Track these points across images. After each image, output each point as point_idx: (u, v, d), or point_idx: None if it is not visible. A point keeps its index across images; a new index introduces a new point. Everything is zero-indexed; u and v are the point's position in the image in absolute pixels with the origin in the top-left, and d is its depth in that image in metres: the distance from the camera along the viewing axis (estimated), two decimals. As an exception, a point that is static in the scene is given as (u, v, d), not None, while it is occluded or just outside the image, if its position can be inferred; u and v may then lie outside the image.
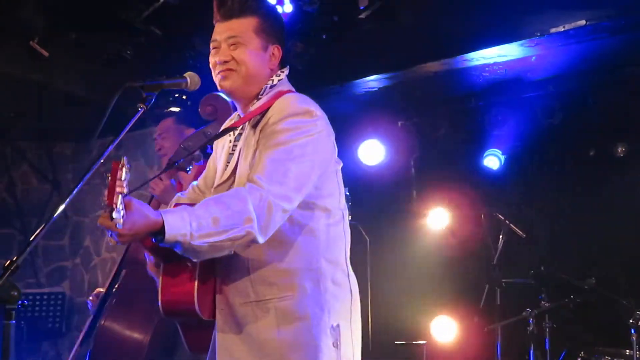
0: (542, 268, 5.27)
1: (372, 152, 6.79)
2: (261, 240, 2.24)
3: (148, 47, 5.68)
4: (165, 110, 4.30)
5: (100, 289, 3.93)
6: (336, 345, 2.40)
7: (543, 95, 6.13)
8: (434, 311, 6.41)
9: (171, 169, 3.21)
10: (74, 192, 2.18)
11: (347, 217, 2.60)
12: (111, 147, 2.27)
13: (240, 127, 2.54)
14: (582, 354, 4.90)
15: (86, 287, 7.73)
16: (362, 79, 6.00)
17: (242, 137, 2.51)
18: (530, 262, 5.53)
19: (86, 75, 6.26)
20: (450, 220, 6.58)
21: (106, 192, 1.97)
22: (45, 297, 7.43)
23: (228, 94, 2.57)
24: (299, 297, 2.38)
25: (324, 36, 5.47)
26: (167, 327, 3.52)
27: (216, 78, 2.51)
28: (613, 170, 6.01)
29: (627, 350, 4.65)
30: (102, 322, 3.65)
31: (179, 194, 2.87)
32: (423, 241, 6.74)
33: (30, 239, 2.10)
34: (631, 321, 4.54)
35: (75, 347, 3.59)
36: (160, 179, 3.55)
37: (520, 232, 5.63)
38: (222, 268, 2.43)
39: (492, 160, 6.42)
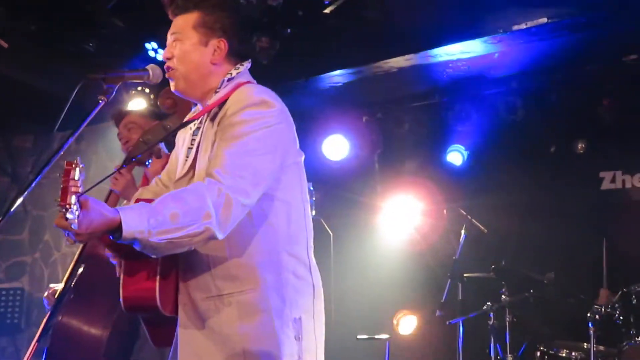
0: (503, 263, 5.34)
1: (336, 147, 6.79)
2: (220, 236, 2.23)
3: (111, 39, 5.61)
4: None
5: (55, 286, 3.88)
6: (298, 338, 2.40)
7: (505, 92, 6.20)
8: (396, 305, 6.44)
9: (130, 163, 3.18)
10: (33, 184, 2.15)
11: (310, 210, 2.59)
12: (71, 140, 2.25)
13: (199, 120, 2.53)
14: (541, 347, 4.97)
15: (46, 282, 7.62)
16: (326, 74, 6.00)
17: (201, 130, 2.50)
18: (491, 257, 5.59)
19: (47, 67, 6.16)
20: (413, 215, 6.62)
21: (60, 193, 1.95)
22: (3, 292, 7.31)
23: (181, 95, 2.56)
24: (261, 290, 2.37)
25: (289, 30, 5.45)
26: (126, 323, 3.49)
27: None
28: (573, 166, 6.10)
29: (585, 344, 4.74)
30: (60, 318, 3.60)
31: (141, 189, 2.84)
32: (386, 236, 6.78)
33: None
34: (589, 315, 4.62)
35: (33, 343, 3.54)
36: (121, 173, 3.51)
37: (482, 227, 5.69)
38: (183, 263, 2.42)
39: (455, 156, 6.48)
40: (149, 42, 5.62)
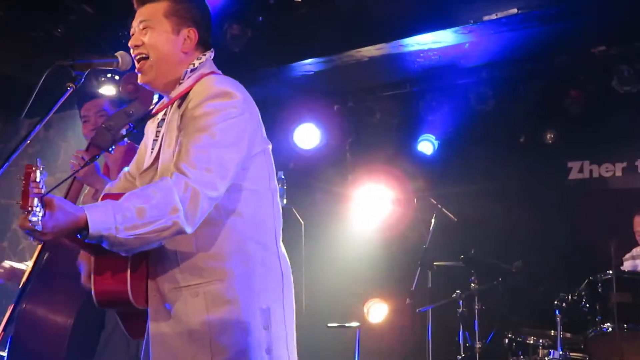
0: (472, 251, 5.39)
1: (308, 135, 6.79)
2: (189, 230, 2.22)
3: (79, 25, 5.54)
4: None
5: (8, 263, 3.84)
6: (267, 327, 2.40)
7: (476, 82, 6.24)
8: (367, 294, 6.48)
9: (93, 149, 3.14)
10: (0, 172, 2.13)
11: (278, 199, 2.58)
12: (39, 127, 2.22)
13: (164, 112, 2.52)
14: (509, 334, 5.04)
15: (14, 270, 7.54)
16: (298, 63, 5.99)
17: (165, 122, 2.48)
18: (461, 246, 5.65)
19: (14, 53, 6.07)
20: (383, 204, 6.66)
21: (21, 196, 1.94)
22: (-30, 281, 7.22)
23: (147, 86, 2.53)
24: (228, 280, 2.36)
25: (260, 19, 5.43)
26: (92, 311, 3.47)
27: (136, 68, 2.49)
28: (542, 156, 6.17)
29: (552, 331, 4.81)
30: (24, 305, 3.57)
31: (109, 183, 2.82)
32: (357, 224, 6.80)
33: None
34: (556, 302, 4.68)
35: None
36: (84, 160, 3.47)
37: (452, 216, 5.74)
38: (152, 255, 2.41)
39: (426, 145, 6.52)
40: (119, 29, 5.57)
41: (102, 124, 2.85)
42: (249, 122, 2.41)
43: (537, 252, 5.71)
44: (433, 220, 5.67)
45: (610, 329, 4.52)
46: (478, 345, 5.23)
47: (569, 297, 4.69)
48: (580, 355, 4.70)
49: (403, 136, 6.71)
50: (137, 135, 3.54)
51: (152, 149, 2.50)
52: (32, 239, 2.05)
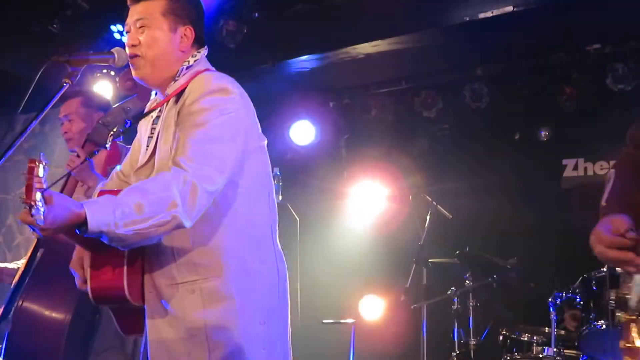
0: (467, 248, 5.40)
1: (303, 132, 6.80)
2: (188, 224, 2.23)
3: (75, 20, 5.54)
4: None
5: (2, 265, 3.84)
6: (263, 323, 2.41)
7: (471, 79, 6.24)
8: (362, 290, 6.49)
9: (89, 145, 3.13)
10: (-4, 168, 2.13)
11: (274, 195, 2.59)
12: (35, 123, 2.22)
13: (159, 109, 2.52)
14: (503, 331, 5.05)
15: (9, 266, 7.53)
16: (294, 59, 5.99)
17: (161, 119, 2.48)
18: (455, 242, 5.65)
19: (10, 47, 6.06)
20: (379, 201, 6.66)
21: (24, 190, 1.95)
22: (-35, 276, 7.20)
23: (142, 82, 2.53)
24: (224, 277, 2.38)
25: (257, 15, 5.43)
26: (89, 307, 3.46)
27: (130, 64, 2.49)
28: (537, 153, 6.19)
29: (546, 328, 4.82)
30: (21, 302, 3.57)
31: (100, 183, 2.81)
32: (352, 221, 6.81)
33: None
34: (550, 300, 4.70)
35: None
36: (78, 156, 3.46)
37: (447, 213, 5.74)
38: (149, 252, 2.41)
39: (421, 142, 6.52)
40: (114, 25, 5.56)
41: (99, 120, 2.85)
42: (245, 118, 2.42)
43: (532, 249, 5.71)
44: (428, 217, 5.67)
45: (604, 326, 4.54)
46: (472, 342, 5.24)
47: (563, 294, 4.70)
48: (575, 352, 4.71)
49: (398, 133, 6.71)
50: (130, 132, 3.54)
51: (147, 146, 2.50)
52: (34, 230, 2.05)
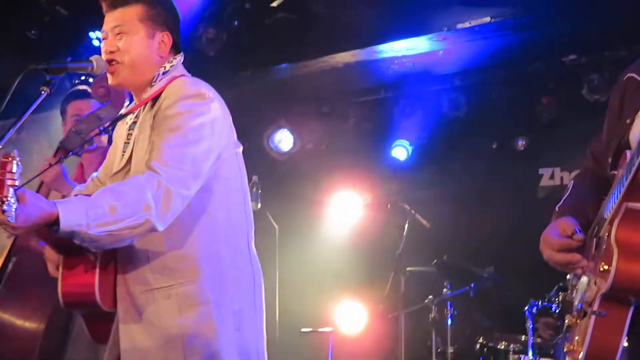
0: (445, 257, 5.43)
1: (283, 140, 6.80)
2: (161, 227, 2.23)
3: (53, 27, 5.51)
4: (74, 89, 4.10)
5: None
6: (238, 329, 2.41)
7: (449, 89, 6.30)
8: (341, 299, 6.50)
9: (60, 152, 3.11)
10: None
11: (250, 201, 2.60)
12: (12, 131, 2.20)
13: (135, 114, 2.52)
14: (481, 339, 5.08)
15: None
16: (273, 67, 6.00)
17: (137, 124, 2.48)
18: (433, 251, 5.68)
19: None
20: (357, 209, 6.68)
21: None
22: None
23: (120, 88, 2.54)
24: (200, 282, 2.37)
25: (236, 23, 5.44)
26: (62, 316, 3.43)
27: (107, 70, 2.48)
28: (514, 162, 6.24)
29: (523, 336, 4.85)
30: None
31: (78, 186, 2.80)
32: (331, 229, 6.82)
33: None
34: (526, 308, 4.73)
35: None
36: (51, 164, 3.43)
37: (425, 222, 5.77)
38: (121, 257, 2.40)
39: (400, 151, 6.56)
40: (93, 31, 5.54)
41: (72, 128, 2.82)
42: (221, 123, 2.43)
43: (510, 257, 5.75)
44: (406, 226, 5.70)
45: (579, 334, 4.58)
46: (450, 350, 5.27)
47: (539, 302, 4.74)
48: (551, 360, 4.75)
49: (377, 142, 6.74)
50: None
51: (124, 151, 2.50)
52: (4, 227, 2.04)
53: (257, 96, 6.56)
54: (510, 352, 4.89)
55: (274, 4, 5.16)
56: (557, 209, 2.17)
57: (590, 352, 1.92)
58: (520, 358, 4.74)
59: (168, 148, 2.28)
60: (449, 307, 5.28)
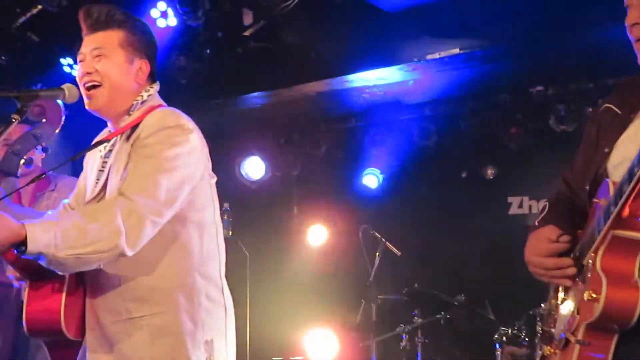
0: (415, 285, 5.44)
1: (254, 168, 6.81)
2: (130, 253, 2.21)
3: (24, 53, 5.48)
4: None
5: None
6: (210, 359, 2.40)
7: (419, 118, 6.37)
8: (311, 327, 6.47)
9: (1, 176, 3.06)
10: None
11: (222, 232, 2.59)
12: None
13: (111, 143, 2.51)
14: (451, 368, 5.08)
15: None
16: (245, 96, 6.02)
17: (113, 152, 2.47)
18: (404, 279, 5.69)
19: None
20: (329, 237, 6.69)
21: None
22: None
23: (97, 113, 2.52)
24: (172, 312, 2.36)
25: (208, 51, 5.46)
26: (22, 336, 3.39)
27: (83, 95, 2.47)
28: (483, 191, 6.30)
29: (492, 365, 4.86)
30: None
31: (49, 212, 2.77)
32: (303, 257, 6.81)
33: None
34: (496, 336, 4.75)
35: None
36: None
37: (396, 250, 5.78)
38: (92, 285, 2.38)
39: (371, 179, 6.60)
40: (64, 57, 5.52)
41: (9, 149, 2.78)
42: (198, 154, 2.44)
43: (479, 285, 5.79)
44: (377, 254, 5.71)
45: (548, 362, 4.60)
46: (420, 378, 5.26)
47: (509, 330, 4.76)
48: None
49: (348, 170, 6.77)
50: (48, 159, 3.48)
51: (98, 179, 2.49)
52: None
53: (229, 124, 6.57)
54: (480, 381, 4.90)
55: (246, 33, 5.19)
56: (536, 223, 2.18)
57: None
58: (489, 386, 4.75)
59: (142, 176, 2.28)
60: (419, 336, 5.29)
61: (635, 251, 1.85)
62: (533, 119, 5.99)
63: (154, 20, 5.03)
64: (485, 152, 6.31)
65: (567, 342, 2.00)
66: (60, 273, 2.21)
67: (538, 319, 4.72)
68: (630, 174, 1.80)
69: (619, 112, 2.07)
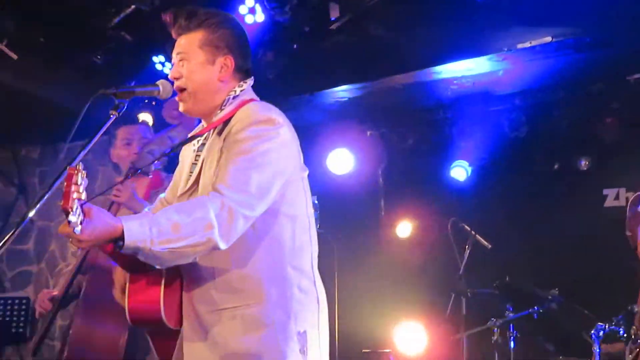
0: (507, 278, 5.34)
1: (341, 161, 6.82)
2: (223, 246, 2.26)
3: (119, 52, 5.66)
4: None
5: (52, 291, 3.92)
6: (303, 351, 2.42)
7: (509, 109, 6.24)
8: (400, 320, 6.45)
9: (135, 174, 3.19)
10: (44, 198, 2.19)
11: (314, 225, 2.61)
12: (83, 153, 2.28)
13: (204, 137, 2.56)
14: (544, 363, 4.97)
15: (51, 292, 7.63)
16: (331, 89, 6.04)
17: (206, 146, 2.53)
18: (495, 273, 5.60)
19: (54, 79, 6.20)
20: (417, 230, 6.64)
21: (62, 197, 1.98)
22: (9, 301, 7.31)
23: (187, 114, 2.59)
24: (265, 304, 2.40)
25: (295, 46, 5.50)
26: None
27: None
28: (577, 183, 6.13)
29: (588, 361, 4.73)
30: (75, 328, 3.65)
31: (147, 207, 2.86)
32: (391, 250, 6.79)
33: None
34: (593, 332, 4.61)
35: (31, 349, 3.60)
36: (123, 185, 3.53)
37: (486, 243, 5.70)
38: (187, 276, 2.44)
39: (459, 172, 6.51)
40: (156, 56, 5.68)
41: (145, 150, 2.90)
42: (289, 148, 2.46)
43: (574, 279, 5.64)
44: (467, 247, 5.64)
45: (647, 359, 4.44)
46: (513, 374, 5.17)
47: (607, 326, 4.62)
48: (617, 386, 4.62)
49: (436, 162, 6.70)
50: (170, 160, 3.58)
51: (191, 172, 2.55)
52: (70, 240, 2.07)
53: (316, 118, 6.61)
54: (575, 377, 4.78)
55: (333, 27, 5.19)
56: None
57: None
58: (585, 383, 4.62)
59: (234, 171, 2.32)
60: (511, 330, 5.19)
61: None
62: (630, 108, 5.78)
63: (242, 17, 5.11)
64: (578, 143, 6.13)
65: None
66: (157, 267, 2.28)
67: (637, 314, 4.58)
68: None
69: None
